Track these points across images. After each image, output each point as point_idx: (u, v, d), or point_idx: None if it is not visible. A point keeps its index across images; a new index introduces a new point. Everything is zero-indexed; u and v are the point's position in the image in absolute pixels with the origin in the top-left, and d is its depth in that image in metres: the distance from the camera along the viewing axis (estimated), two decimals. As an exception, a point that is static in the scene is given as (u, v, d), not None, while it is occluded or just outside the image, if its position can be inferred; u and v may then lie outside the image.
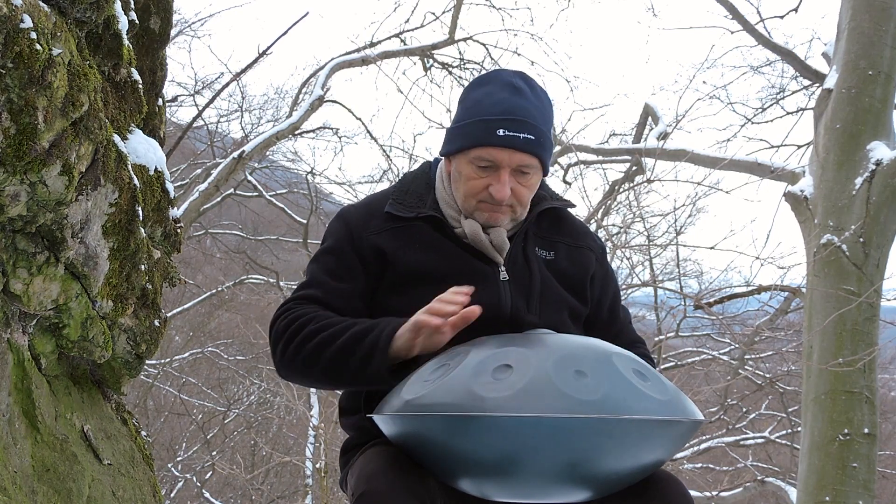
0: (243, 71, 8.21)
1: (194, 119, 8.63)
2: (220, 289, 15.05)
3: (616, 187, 9.84)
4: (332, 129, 11.76)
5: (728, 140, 9.86)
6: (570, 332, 1.82)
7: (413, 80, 10.51)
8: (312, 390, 12.31)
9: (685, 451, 11.48)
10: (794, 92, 9.69)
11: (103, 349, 2.03)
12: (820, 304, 5.94)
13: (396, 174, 11.01)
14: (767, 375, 11.69)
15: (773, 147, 9.50)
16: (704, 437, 12.29)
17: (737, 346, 11.69)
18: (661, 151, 8.03)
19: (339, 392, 2.10)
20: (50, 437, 1.81)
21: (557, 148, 9.15)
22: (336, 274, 1.83)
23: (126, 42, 2.11)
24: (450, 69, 10.31)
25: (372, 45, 9.77)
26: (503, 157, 1.77)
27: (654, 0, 25.21)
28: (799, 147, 9.12)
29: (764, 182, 7.66)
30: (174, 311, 13.28)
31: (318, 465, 11.48)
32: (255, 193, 13.69)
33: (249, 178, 13.04)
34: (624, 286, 9.72)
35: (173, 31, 4.28)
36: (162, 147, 2.39)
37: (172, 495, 13.60)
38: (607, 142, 10.94)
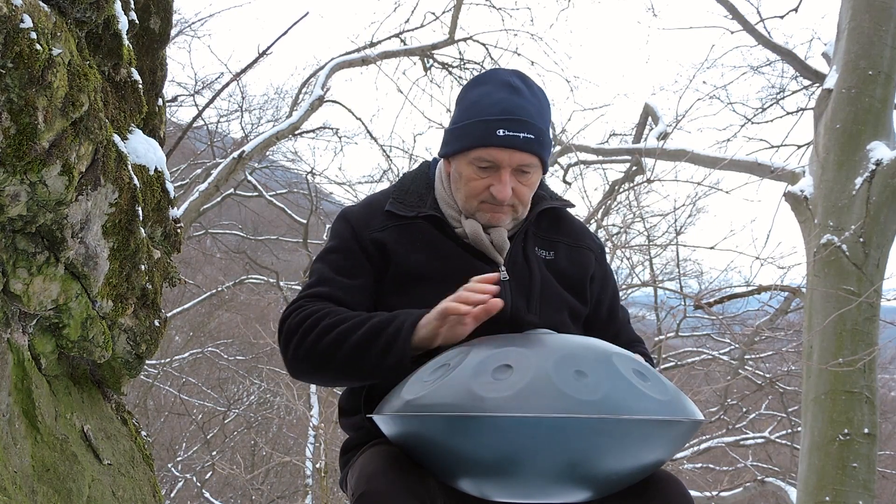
0: (243, 71, 8.21)
1: (194, 119, 8.63)
2: (220, 289, 15.05)
3: (616, 187, 9.85)
4: (332, 129, 11.78)
5: (728, 140, 9.88)
6: (570, 332, 1.82)
7: (413, 80, 10.53)
8: (312, 390, 12.31)
9: (685, 451, 11.48)
10: (794, 92, 9.70)
11: (103, 349, 2.03)
12: (820, 304, 5.94)
13: (396, 174, 11.01)
14: (767, 375, 11.69)
15: (773, 147, 9.51)
16: (704, 437, 12.29)
17: (737, 346, 11.69)
18: (661, 151, 8.03)
19: (339, 392, 2.10)
20: (50, 437, 1.81)
21: (557, 148, 9.16)
22: (344, 271, 1.83)
23: (126, 42, 2.11)
24: (450, 69, 10.31)
25: (372, 45, 9.77)
26: (503, 157, 1.77)
27: (654, 0, 25.23)
28: (799, 147, 9.12)
29: (764, 182, 7.66)
30: (174, 311, 13.28)
31: (318, 465, 11.47)
32: (255, 193, 13.70)
33: (249, 178, 13.04)
34: (624, 286, 9.73)
35: (173, 31, 4.28)
36: (162, 147, 2.39)
37: (172, 495, 13.60)
38: (607, 142, 10.94)
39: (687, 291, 10.48)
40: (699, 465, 12.61)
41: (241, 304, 16.56)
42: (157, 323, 2.29)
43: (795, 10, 8.54)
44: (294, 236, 14.58)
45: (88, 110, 1.68)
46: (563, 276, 1.91)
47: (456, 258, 1.83)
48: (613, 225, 9.85)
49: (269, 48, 6.41)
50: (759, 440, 12.51)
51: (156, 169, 2.23)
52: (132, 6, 2.22)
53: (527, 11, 24.16)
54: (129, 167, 2.00)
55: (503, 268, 1.84)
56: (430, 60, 10.23)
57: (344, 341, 1.69)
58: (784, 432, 12.17)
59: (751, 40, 8.53)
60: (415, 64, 10.39)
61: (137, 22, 2.26)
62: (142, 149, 2.18)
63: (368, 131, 10.76)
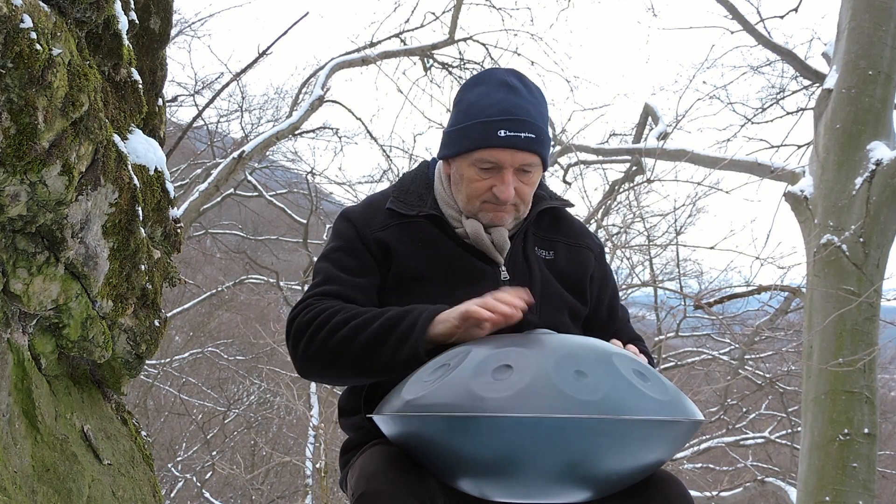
0: (243, 71, 8.21)
1: (194, 119, 8.63)
2: (220, 289, 15.05)
3: (616, 187, 9.85)
4: (332, 129, 11.78)
5: (728, 140, 9.88)
6: (570, 332, 1.82)
7: (413, 80, 10.53)
8: (312, 390, 12.31)
9: (685, 451, 11.48)
10: (794, 92, 9.70)
11: (103, 349, 2.03)
12: (820, 304, 5.94)
13: (396, 174, 11.02)
14: (767, 375, 11.69)
15: (773, 147, 9.51)
16: (704, 437, 12.29)
17: (737, 346, 11.69)
18: (661, 151, 8.03)
19: (339, 392, 2.10)
20: (50, 437, 1.81)
21: (557, 148, 9.16)
22: (351, 269, 1.83)
23: (126, 42, 2.11)
24: (450, 69, 10.31)
25: (372, 45, 9.77)
26: (505, 157, 1.77)
27: (654, 0, 25.23)
28: (799, 147, 9.13)
29: (764, 182, 7.66)
30: (174, 311, 13.28)
31: (318, 465, 11.47)
32: (255, 193, 13.70)
33: (249, 178, 13.04)
34: (624, 286, 9.73)
35: (173, 31, 4.28)
36: (162, 147, 2.39)
37: (172, 495, 13.60)
38: (607, 142, 10.94)
39: (687, 291, 10.49)
40: (699, 465, 12.61)
41: (241, 304, 16.55)
42: (157, 323, 2.29)
43: (795, 10, 8.55)
44: (294, 236, 14.58)
45: (88, 110, 1.69)
46: (563, 276, 1.91)
47: (456, 258, 1.84)
48: (613, 225, 9.85)
49: (269, 48, 6.41)
50: (759, 440, 12.52)
51: (156, 169, 2.23)
52: (132, 6, 2.22)
53: (527, 11, 24.18)
54: (129, 167, 2.00)
55: (503, 268, 1.85)
56: (430, 60, 10.23)
57: (357, 336, 1.69)
58: (784, 432, 12.17)
59: (751, 40, 8.55)
60: (415, 64, 10.40)
61: (137, 22, 2.26)
62: (142, 149, 2.18)
63: (368, 131, 10.77)
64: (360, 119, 14.78)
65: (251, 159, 9.81)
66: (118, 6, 2.04)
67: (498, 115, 1.77)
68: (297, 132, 10.08)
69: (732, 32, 8.69)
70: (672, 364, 12.35)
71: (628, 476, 1.51)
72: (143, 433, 2.50)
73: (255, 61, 6.73)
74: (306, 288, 1.90)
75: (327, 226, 12.95)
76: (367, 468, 1.58)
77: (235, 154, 8.45)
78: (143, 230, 2.08)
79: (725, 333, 12.04)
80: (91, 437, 2.01)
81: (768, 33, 8.33)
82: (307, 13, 7.30)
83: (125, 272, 2.04)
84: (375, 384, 1.78)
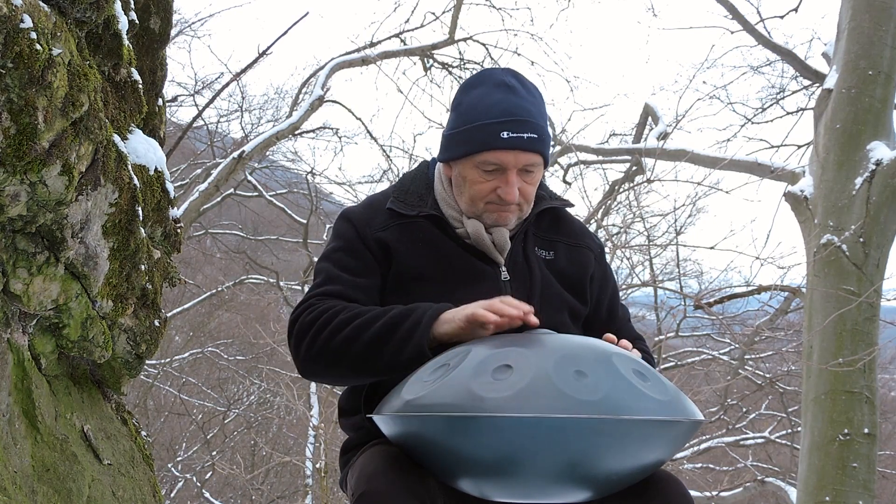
0: (243, 71, 8.21)
1: (194, 119, 8.63)
2: (220, 289, 15.05)
3: (616, 187, 9.84)
4: (332, 129, 11.78)
5: (728, 140, 9.88)
6: (570, 333, 1.82)
7: (413, 80, 10.53)
8: (312, 390, 12.31)
9: (685, 451, 11.48)
10: (794, 92, 9.70)
11: (103, 349, 2.03)
12: (820, 304, 5.94)
13: (396, 174, 11.02)
14: (767, 375, 11.69)
15: (773, 147, 9.51)
16: (704, 437, 12.29)
17: (737, 346, 11.69)
18: (661, 151, 8.03)
19: (340, 392, 2.10)
20: (50, 437, 1.81)
21: (557, 148, 9.16)
22: (352, 269, 1.83)
23: (126, 42, 2.11)
24: (450, 69, 10.31)
25: (372, 45, 9.77)
26: (509, 159, 1.77)
27: (654, 0, 25.22)
28: (799, 147, 9.13)
29: (764, 182, 7.66)
30: (174, 311, 13.28)
31: (318, 465, 11.48)
32: (255, 193, 13.70)
33: (249, 178, 13.04)
34: (624, 286, 9.73)
35: (173, 31, 4.28)
36: (162, 147, 2.39)
37: (172, 495, 13.60)
38: (607, 142, 10.94)
39: (687, 291, 10.49)
40: (699, 465, 12.61)
41: (241, 304, 16.55)
42: (157, 323, 2.29)
43: (795, 10, 8.55)
44: (294, 236, 14.58)
45: (88, 110, 1.69)
46: (563, 276, 1.91)
47: (456, 258, 1.84)
48: (613, 225, 9.85)
49: (269, 48, 6.41)
50: (759, 440, 12.52)
51: (156, 169, 2.23)
52: (132, 6, 2.22)
53: (527, 11, 24.18)
54: (129, 167, 2.00)
55: (503, 268, 1.85)
56: (430, 60, 10.23)
57: (360, 335, 1.69)
58: (784, 432, 12.17)
59: (751, 40, 8.55)
60: (415, 64, 10.40)
61: (137, 22, 2.26)
62: (142, 149, 2.18)
63: (368, 131, 10.77)
64: (360, 119, 14.79)
65: (251, 159, 9.81)
66: (118, 6, 2.04)
67: (499, 116, 1.77)
68: (297, 132, 10.08)
69: (732, 32, 8.69)
70: (672, 364, 12.35)
71: (628, 476, 1.51)
72: (143, 433, 2.50)
73: (255, 61, 6.74)
74: (307, 288, 1.90)
75: (327, 226, 12.95)
76: (367, 468, 1.58)
77: (235, 154, 8.45)
78: (143, 230, 2.08)
79: (725, 333, 12.04)
80: (91, 437, 2.01)
81: (768, 33, 8.33)
82: (307, 13, 7.31)
83: (125, 272, 2.04)
84: (375, 384, 1.78)
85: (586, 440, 1.40)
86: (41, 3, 1.58)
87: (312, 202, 13.21)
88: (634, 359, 1.57)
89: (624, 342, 1.73)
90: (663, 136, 8.94)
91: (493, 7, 10.02)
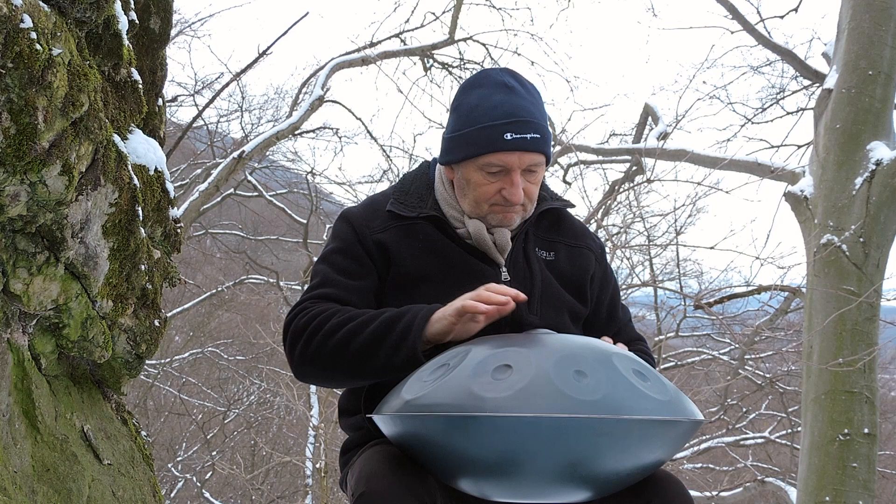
0: (243, 71, 8.22)
1: (194, 119, 8.63)
2: (220, 289, 15.05)
3: (616, 187, 9.84)
4: (332, 129, 11.77)
5: (728, 140, 9.89)
6: (570, 333, 1.82)
7: (413, 80, 10.53)
8: (312, 390, 12.30)
9: (685, 451, 11.48)
10: (794, 92, 9.70)
11: (103, 349, 2.03)
12: (820, 304, 5.94)
13: (396, 174, 11.01)
14: (767, 375, 11.69)
15: (773, 147, 9.52)
16: (704, 437, 12.29)
17: (737, 346, 11.69)
18: (661, 151, 8.03)
19: (340, 392, 2.10)
20: (50, 437, 1.81)
21: (557, 148, 9.15)
22: (348, 272, 1.83)
23: (126, 42, 2.10)
24: (450, 69, 10.31)
25: (372, 45, 9.77)
26: (513, 160, 1.77)
27: (654, 0, 25.21)
28: (799, 147, 9.13)
29: (764, 182, 7.65)
30: (174, 311, 13.28)
31: (318, 465, 11.48)
32: (255, 193, 13.70)
33: (249, 178, 13.04)
34: (624, 286, 9.72)
35: (173, 31, 4.29)
36: (162, 147, 2.39)
37: (172, 495, 13.61)
38: (607, 142, 10.94)
39: (687, 291, 10.48)
40: (699, 465, 12.61)
41: (241, 304, 16.55)
42: (157, 323, 2.29)
43: (795, 10, 8.55)
44: (294, 236, 14.59)
45: (88, 110, 1.69)
46: (564, 277, 1.91)
47: (457, 259, 1.84)
48: (613, 225, 9.84)
49: (269, 48, 6.42)
50: (759, 440, 12.52)
51: (156, 169, 2.23)
52: (132, 6, 2.22)
53: (527, 11, 24.19)
54: (129, 167, 2.00)
55: (504, 268, 1.85)
56: (430, 60, 10.23)
57: (353, 339, 1.69)
58: (784, 432, 12.17)
59: (751, 40, 8.54)
60: (415, 64, 10.39)
61: (137, 22, 2.25)
62: (142, 149, 2.18)
63: (368, 131, 10.77)
64: (360, 119, 14.79)
65: (251, 159, 9.81)
66: (118, 6, 2.03)
67: (502, 118, 1.77)
68: (297, 132, 10.08)
69: (732, 32, 8.69)
70: (672, 364, 12.35)
71: (628, 476, 1.51)
72: (143, 433, 2.50)
73: (255, 61, 6.74)
74: (304, 289, 1.90)
75: (327, 226, 12.95)
76: (367, 468, 1.58)
77: (235, 154, 8.45)
78: (143, 230, 2.08)
79: (725, 333, 12.04)
80: (91, 437, 2.01)
81: (768, 33, 8.33)
82: (307, 13, 7.32)
83: (125, 272, 2.04)
84: (376, 384, 1.78)
85: (586, 440, 1.41)
86: (41, 3, 1.58)
87: (312, 202, 13.21)
88: (634, 359, 1.57)
89: (620, 346, 1.74)
90: (663, 136, 8.94)
91: (493, 7, 10.02)
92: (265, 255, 15.97)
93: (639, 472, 1.52)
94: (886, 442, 14.61)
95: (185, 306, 14.44)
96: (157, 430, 14.69)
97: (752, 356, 11.86)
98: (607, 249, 7.79)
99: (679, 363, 12.58)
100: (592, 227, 8.64)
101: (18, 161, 1.53)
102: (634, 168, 9.58)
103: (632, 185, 9.51)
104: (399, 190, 1.94)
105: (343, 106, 10.27)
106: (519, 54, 10.35)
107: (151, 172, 2.21)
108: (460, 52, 10.22)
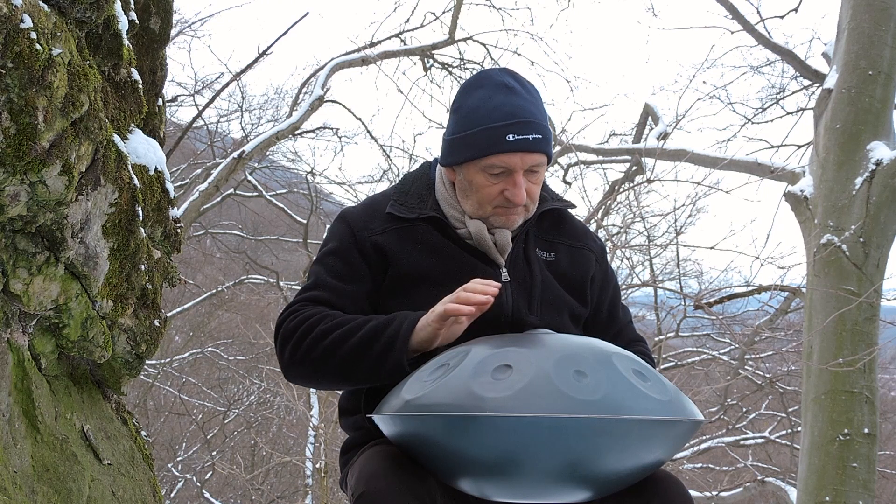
0: (243, 71, 8.22)
1: (194, 119, 8.63)
2: (220, 289, 15.05)
3: (616, 187, 9.83)
4: (332, 129, 11.77)
5: (728, 140, 9.89)
6: (570, 333, 1.82)
7: (413, 80, 10.52)
8: (312, 390, 12.31)
9: (685, 451, 11.48)
10: (794, 92, 9.70)
11: (103, 349, 2.03)
12: (820, 304, 5.94)
13: (396, 174, 11.01)
14: (767, 375, 11.69)
15: (773, 147, 9.52)
16: (704, 437, 12.30)
17: (737, 346, 11.69)
18: (661, 151, 8.03)
19: (339, 392, 2.10)
20: (50, 437, 1.81)
21: (557, 148, 9.15)
22: (341, 276, 1.83)
23: (126, 42, 2.10)
24: (450, 69, 10.31)
25: (372, 45, 9.77)
26: (516, 161, 1.77)
27: (654, 0, 25.21)
28: (799, 147, 9.13)
29: (764, 182, 7.65)
30: (174, 311, 13.28)
31: (318, 465, 11.48)
32: (255, 193, 13.69)
33: (249, 178, 13.04)
34: (624, 286, 9.72)
35: (173, 31, 4.29)
36: (162, 147, 2.39)
37: (172, 495, 13.61)
38: (607, 142, 10.94)
39: (687, 291, 10.48)
40: (699, 465, 12.62)
41: (241, 304, 16.56)
42: (157, 323, 2.29)
43: (795, 10, 8.55)
44: (294, 236, 14.58)
45: (88, 110, 1.68)
46: (564, 278, 1.91)
47: (457, 259, 1.84)
48: (613, 225, 9.84)
49: (269, 48, 6.42)
50: (759, 440, 12.52)
51: (156, 169, 2.23)
52: (132, 6, 2.22)
53: (527, 11, 24.19)
54: (129, 167, 2.00)
55: (504, 269, 1.85)
56: (430, 60, 10.23)
57: (340, 346, 1.69)
58: (784, 432, 12.18)
59: (751, 40, 8.54)
60: (415, 64, 10.39)
61: (137, 22, 2.25)
62: (142, 149, 2.17)
63: (368, 131, 10.77)
64: (360, 119, 14.77)
65: (251, 159, 9.81)
66: (118, 6, 2.03)
67: (503, 119, 1.76)
68: (297, 132, 10.08)
69: (732, 32, 8.69)
70: (672, 364, 12.35)
71: (628, 476, 1.51)
72: (143, 433, 2.50)
73: (255, 61, 6.74)
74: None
75: (327, 226, 12.91)
76: (367, 468, 1.58)
77: (235, 154, 8.45)
78: (143, 230, 2.08)
79: (725, 333, 12.04)
80: (91, 437, 2.01)
81: (768, 33, 8.33)
82: (307, 13, 7.32)
83: (125, 272, 2.04)
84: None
85: (586, 440, 1.41)
86: (41, 3, 1.58)
87: (312, 202, 13.21)
88: (634, 358, 1.57)
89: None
90: (663, 136, 8.94)
91: (493, 7, 10.02)
92: (265, 255, 15.97)
93: (639, 472, 1.52)
94: (886, 442, 14.61)
95: (185, 306, 14.44)
96: (157, 430, 14.69)
97: (752, 356, 11.86)
98: (607, 249, 7.79)
99: (679, 363, 12.58)
100: (592, 227, 8.64)
101: (18, 161, 1.53)
102: (634, 168, 9.58)
103: (632, 185, 9.51)
104: (399, 190, 1.94)
105: (343, 106, 10.28)
106: (519, 54, 10.35)
107: (151, 172, 2.21)
108: (460, 53, 10.23)
